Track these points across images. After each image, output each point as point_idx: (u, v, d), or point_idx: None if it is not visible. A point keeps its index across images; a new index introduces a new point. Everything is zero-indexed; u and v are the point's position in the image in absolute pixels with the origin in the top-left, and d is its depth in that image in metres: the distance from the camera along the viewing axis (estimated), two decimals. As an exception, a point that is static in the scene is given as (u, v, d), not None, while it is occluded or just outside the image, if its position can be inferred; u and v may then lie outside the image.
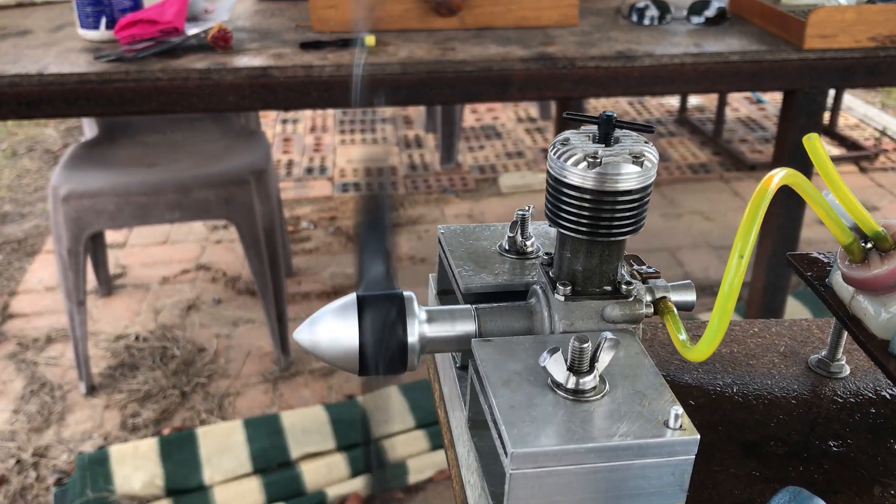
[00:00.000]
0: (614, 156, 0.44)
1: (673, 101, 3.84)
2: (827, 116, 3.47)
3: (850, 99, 3.89)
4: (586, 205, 0.45)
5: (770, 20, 1.64)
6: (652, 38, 1.60)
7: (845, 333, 0.58)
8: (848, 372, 0.60)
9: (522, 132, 3.54)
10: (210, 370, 2.10)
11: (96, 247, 2.30)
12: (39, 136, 3.52)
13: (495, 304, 0.50)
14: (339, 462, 1.80)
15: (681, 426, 0.40)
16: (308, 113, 3.71)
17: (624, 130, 0.47)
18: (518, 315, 0.49)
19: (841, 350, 0.60)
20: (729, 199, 2.94)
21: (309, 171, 3.18)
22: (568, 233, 0.47)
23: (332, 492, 1.73)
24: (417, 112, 3.69)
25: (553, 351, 0.41)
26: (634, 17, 1.71)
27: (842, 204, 0.47)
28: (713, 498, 0.48)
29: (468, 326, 0.49)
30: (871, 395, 0.57)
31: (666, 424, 0.40)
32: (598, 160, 0.44)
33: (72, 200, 1.83)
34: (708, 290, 2.35)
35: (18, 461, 1.83)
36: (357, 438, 1.88)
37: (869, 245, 0.51)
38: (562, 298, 0.47)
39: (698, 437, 0.40)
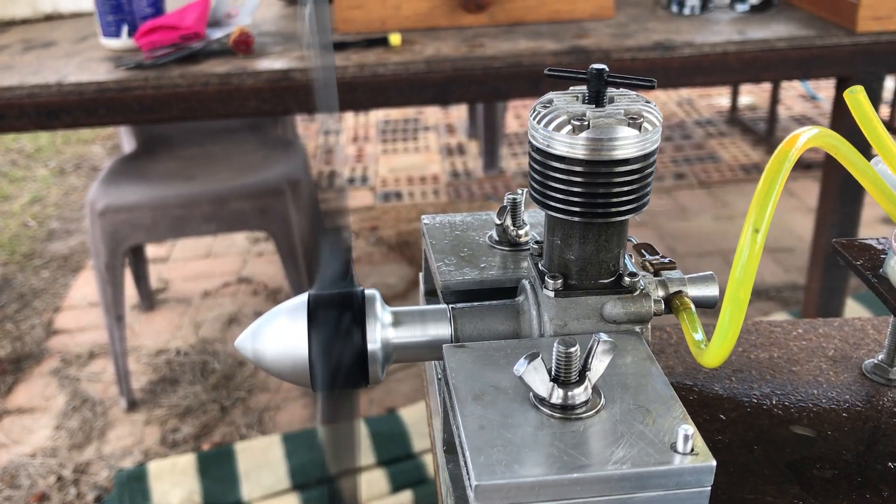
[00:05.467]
0: (606, 117, 0.36)
1: (723, 101, 3.70)
2: (886, 112, 3.29)
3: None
4: (576, 179, 0.37)
5: (820, 4, 1.53)
6: (693, 27, 1.51)
7: (907, 333, 0.49)
8: (911, 379, 0.51)
9: (569, 136, 3.44)
10: (250, 384, 2.06)
11: (137, 261, 2.29)
12: (86, 154, 3.56)
13: (476, 304, 0.42)
14: (378, 477, 1.74)
15: (692, 450, 0.32)
16: (350, 123, 3.68)
17: (620, 89, 0.39)
18: (502, 315, 0.41)
19: (902, 353, 0.50)
20: (784, 200, 2.80)
21: (351, 180, 3.14)
22: (557, 214, 0.38)
23: (372, 509, 1.67)
24: (460, 119, 3.63)
25: (532, 357, 0.33)
26: (674, 7, 1.62)
27: (895, 173, 0.38)
28: (745, 533, 0.40)
29: (442, 330, 0.41)
30: (940, 405, 0.48)
31: (673, 448, 0.32)
32: (586, 123, 0.36)
33: (108, 214, 1.82)
34: (763, 295, 2.23)
35: (59, 478, 1.82)
36: (398, 452, 1.82)
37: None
38: (551, 294, 0.39)
39: (714, 463, 0.31)
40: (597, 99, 0.37)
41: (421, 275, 0.54)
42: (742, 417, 0.48)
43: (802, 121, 3.48)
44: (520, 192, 0.47)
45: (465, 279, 0.44)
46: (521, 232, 0.47)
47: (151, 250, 2.60)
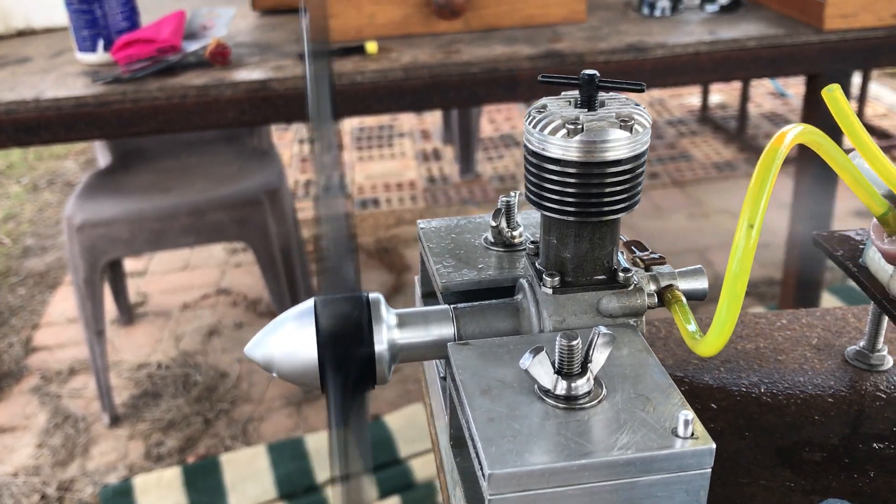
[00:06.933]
0: (598, 121, 0.38)
1: (694, 100, 3.75)
2: (854, 107, 3.36)
3: (878, 88, 3.78)
4: (570, 180, 0.39)
5: (788, 3, 1.57)
6: (664, 28, 1.54)
7: (886, 320, 0.51)
8: (891, 363, 0.53)
9: (543, 139, 3.46)
10: (233, 395, 2.06)
11: (115, 276, 2.28)
12: (59, 169, 3.53)
13: (476, 303, 0.43)
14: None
15: (692, 434, 0.33)
16: (325, 131, 3.68)
17: (610, 93, 0.40)
18: (502, 314, 0.43)
19: (882, 339, 0.52)
20: (758, 196, 2.84)
21: (326, 189, 3.14)
22: (552, 214, 0.40)
23: (360, 515, 1.68)
24: (434, 124, 3.64)
25: (536, 351, 0.35)
26: (645, 10, 1.65)
27: (873, 167, 0.40)
28: (741, 515, 0.41)
29: (445, 329, 0.42)
30: (919, 388, 0.50)
31: (674, 433, 0.34)
32: (580, 126, 0.37)
33: (86, 229, 1.82)
34: (741, 290, 2.26)
35: (43, 496, 1.80)
36: (384, 458, 1.83)
37: (907, 215, 0.44)
38: (549, 291, 0.41)
39: (713, 446, 0.33)
40: (589, 103, 0.39)
41: (417, 278, 0.55)
42: (732, 406, 0.49)
43: (772, 117, 3.53)
44: (513, 194, 0.49)
45: (463, 280, 0.46)
46: (516, 233, 0.49)
47: (129, 264, 2.59)
